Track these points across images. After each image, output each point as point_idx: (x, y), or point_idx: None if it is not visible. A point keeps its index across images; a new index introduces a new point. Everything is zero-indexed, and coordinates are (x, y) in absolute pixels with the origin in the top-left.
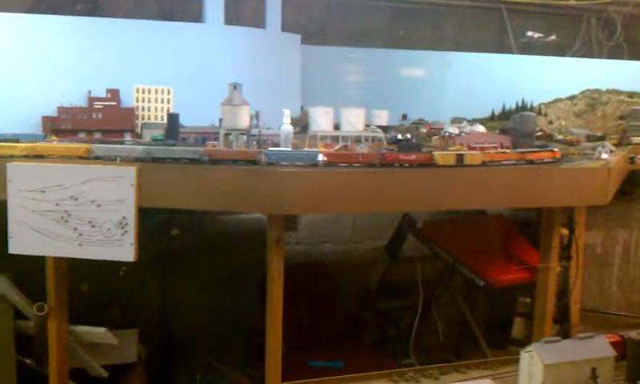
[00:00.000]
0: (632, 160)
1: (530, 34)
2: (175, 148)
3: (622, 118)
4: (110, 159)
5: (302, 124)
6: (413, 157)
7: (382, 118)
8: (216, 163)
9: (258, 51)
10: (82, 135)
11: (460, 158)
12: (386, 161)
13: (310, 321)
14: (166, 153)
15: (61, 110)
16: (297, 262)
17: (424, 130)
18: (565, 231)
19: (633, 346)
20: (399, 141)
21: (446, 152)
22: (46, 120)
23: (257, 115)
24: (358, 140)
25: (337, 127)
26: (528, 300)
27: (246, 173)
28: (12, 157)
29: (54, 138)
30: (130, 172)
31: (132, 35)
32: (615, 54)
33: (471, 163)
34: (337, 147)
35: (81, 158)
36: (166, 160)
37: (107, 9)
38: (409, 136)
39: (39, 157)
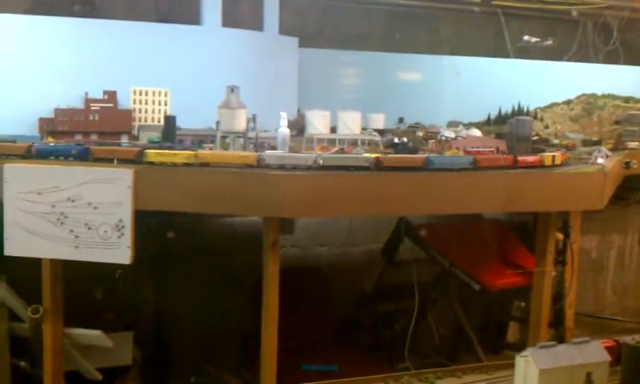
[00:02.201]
0: (627, 165)
1: (526, 38)
2: (346, 155)
3: (617, 122)
4: (281, 167)
5: (298, 127)
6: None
7: (379, 121)
8: (384, 170)
9: (255, 54)
10: (78, 137)
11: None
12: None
13: (304, 324)
14: (336, 161)
15: (57, 111)
16: (292, 265)
17: (420, 134)
18: (560, 236)
19: (628, 351)
20: (395, 144)
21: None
22: (43, 121)
23: (254, 118)
24: (354, 143)
25: (333, 130)
26: (523, 304)
27: (241, 176)
28: (174, 165)
29: (50, 139)
30: (127, 174)
31: (129, 37)
32: (611, 58)
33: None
34: (333, 150)
35: (249, 166)
36: (337, 168)
37: (104, 10)
38: (405, 140)
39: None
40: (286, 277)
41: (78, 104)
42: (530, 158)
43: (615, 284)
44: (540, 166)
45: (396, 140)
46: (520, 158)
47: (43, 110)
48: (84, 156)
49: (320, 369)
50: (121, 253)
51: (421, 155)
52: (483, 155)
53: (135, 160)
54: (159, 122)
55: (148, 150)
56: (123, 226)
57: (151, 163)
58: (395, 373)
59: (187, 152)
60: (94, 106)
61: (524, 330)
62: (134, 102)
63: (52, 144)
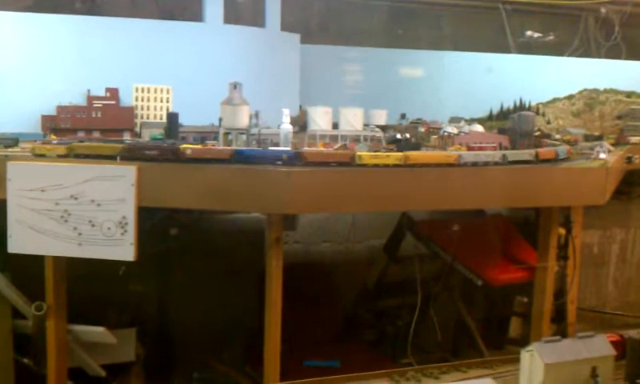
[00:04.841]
0: (629, 160)
1: (528, 33)
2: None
3: (619, 117)
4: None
5: (300, 123)
6: None
7: (381, 117)
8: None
9: (257, 50)
10: (81, 134)
11: None
12: None
13: (307, 320)
14: (518, 156)
15: (60, 108)
16: (295, 261)
17: (422, 130)
18: (562, 231)
19: (633, 345)
20: (398, 140)
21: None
22: (46, 119)
23: (256, 114)
24: (356, 139)
25: (335, 126)
26: (525, 299)
27: (243, 172)
28: (386, 166)
29: (53, 137)
30: (131, 171)
31: (131, 34)
32: (613, 53)
33: None
34: (336, 146)
35: (450, 165)
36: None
37: (106, 7)
38: (407, 135)
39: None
40: (289, 273)
41: (81, 101)
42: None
43: (617, 279)
44: (555, 159)
45: (398, 136)
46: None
47: (45, 107)
48: (295, 161)
49: (322, 364)
50: (124, 249)
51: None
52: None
53: (350, 163)
54: (161, 118)
55: (362, 153)
56: (127, 223)
57: (364, 165)
58: (399, 368)
59: (398, 154)
60: (97, 103)
61: (526, 325)
62: (136, 99)
63: (260, 149)
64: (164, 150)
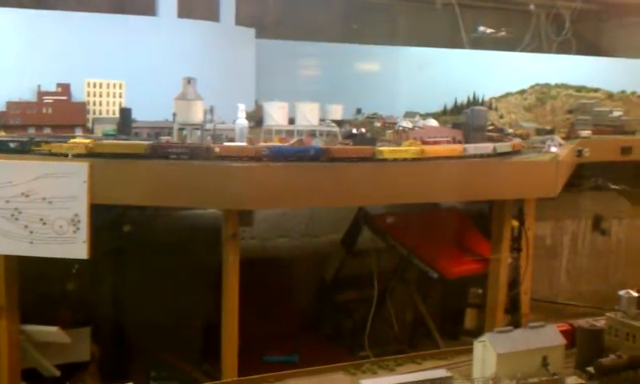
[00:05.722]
0: (580, 153)
1: (481, 29)
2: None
3: (570, 112)
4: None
5: (256, 118)
6: None
7: (337, 112)
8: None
9: (211, 45)
10: (31, 130)
11: None
12: None
13: (265, 315)
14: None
15: (10, 104)
16: (252, 256)
17: (378, 125)
18: (515, 223)
19: (582, 334)
20: (354, 135)
21: None
22: None
23: (211, 110)
24: (312, 134)
25: (292, 121)
26: (480, 291)
27: (198, 168)
28: (405, 160)
29: (2, 133)
30: (82, 168)
31: (83, 28)
32: (564, 49)
33: None
34: (291, 141)
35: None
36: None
37: (55, 1)
38: (363, 130)
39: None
40: (245, 268)
41: (30, 97)
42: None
43: (569, 269)
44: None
45: (354, 131)
46: None
47: None
48: (321, 155)
49: (281, 359)
50: (77, 247)
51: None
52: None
53: (370, 158)
54: (114, 114)
55: (382, 148)
56: (79, 221)
57: (384, 160)
58: (355, 361)
59: (414, 148)
60: (47, 99)
61: (481, 316)
62: (88, 95)
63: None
64: (194, 149)
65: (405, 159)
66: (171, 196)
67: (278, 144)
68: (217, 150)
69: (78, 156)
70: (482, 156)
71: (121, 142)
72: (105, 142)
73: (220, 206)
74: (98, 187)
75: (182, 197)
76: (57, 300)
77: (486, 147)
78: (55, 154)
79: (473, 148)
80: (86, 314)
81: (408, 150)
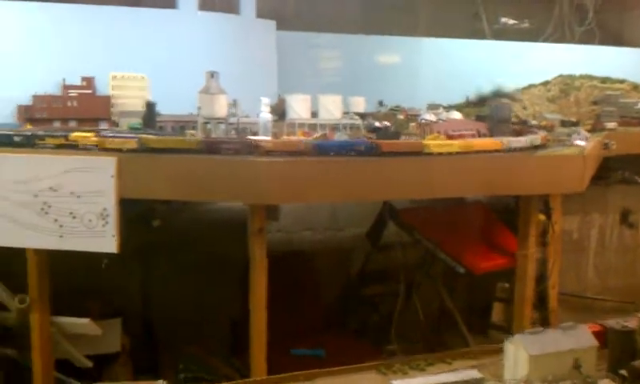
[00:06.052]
0: (606, 146)
1: (503, 19)
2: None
3: (595, 103)
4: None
5: (278, 112)
6: None
7: (359, 104)
8: None
9: (232, 38)
10: (57, 124)
11: None
12: None
13: (293, 309)
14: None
15: (36, 98)
16: (278, 249)
17: (401, 117)
18: (542, 217)
19: (614, 335)
20: (378, 128)
21: None
22: (21, 109)
23: (234, 103)
24: (335, 128)
25: (314, 114)
26: (507, 285)
27: (228, 163)
28: (450, 154)
29: (29, 126)
30: (110, 163)
31: (104, 22)
32: (587, 39)
33: None
34: (315, 135)
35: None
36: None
37: None
38: (387, 123)
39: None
40: (272, 262)
41: (55, 91)
42: None
43: (597, 264)
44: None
45: (377, 124)
46: None
47: (20, 97)
48: (372, 150)
49: (308, 353)
50: (106, 241)
51: None
52: None
53: (418, 152)
54: (139, 108)
55: (429, 141)
56: (108, 215)
57: (430, 154)
58: (384, 357)
59: (460, 142)
60: (72, 93)
61: (508, 310)
62: (113, 88)
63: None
64: (244, 144)
65: (450, 153)
66: (201, 191)
67: (328, 139)
68: (269, 145)
69: (130, 151)
70: (520, 150)
71: (169, 138)
72: (153, 138)
73: (247, 201)
74: (127, 181)
75: (210, 191)
76: (88, 293)
77: (523, 141)
78: (107, 149)
79: (514, 141)
80: (117, 307)
81: (453, 144)
